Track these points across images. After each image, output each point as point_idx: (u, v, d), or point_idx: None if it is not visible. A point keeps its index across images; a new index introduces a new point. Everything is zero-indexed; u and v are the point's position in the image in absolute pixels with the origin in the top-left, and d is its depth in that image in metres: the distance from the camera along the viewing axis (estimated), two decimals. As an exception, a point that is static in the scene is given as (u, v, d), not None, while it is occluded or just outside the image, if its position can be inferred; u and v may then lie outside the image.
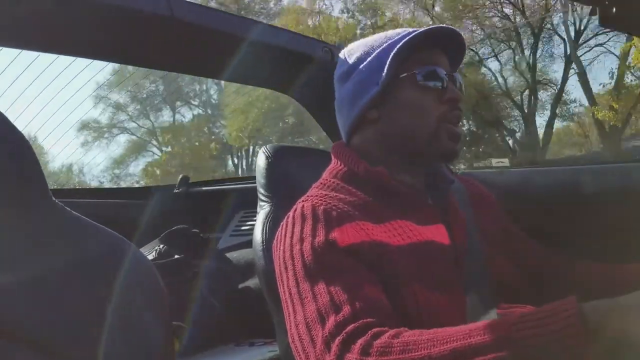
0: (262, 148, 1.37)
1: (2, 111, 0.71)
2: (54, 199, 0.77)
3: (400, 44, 1.03)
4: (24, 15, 1.12)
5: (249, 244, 1.47)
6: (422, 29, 1.04)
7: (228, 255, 2.38)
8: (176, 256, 2.11)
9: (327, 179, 1.09)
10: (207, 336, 1.98)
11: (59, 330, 0.69)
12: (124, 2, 1.17)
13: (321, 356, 0.82)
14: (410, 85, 1.05)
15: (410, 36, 1.03)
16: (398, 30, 1.10)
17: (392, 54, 1.03)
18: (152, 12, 1.21)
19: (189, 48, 1.48)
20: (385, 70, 1.03)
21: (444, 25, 1.06)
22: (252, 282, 2.19)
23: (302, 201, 1.04)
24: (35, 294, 0.69)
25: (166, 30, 1.31)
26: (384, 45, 1.07)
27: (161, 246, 2.16)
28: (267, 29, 1.49)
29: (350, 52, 1.12)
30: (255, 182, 1.36)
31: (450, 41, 1.07)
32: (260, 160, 1.35)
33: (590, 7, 0.80)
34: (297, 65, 1.60)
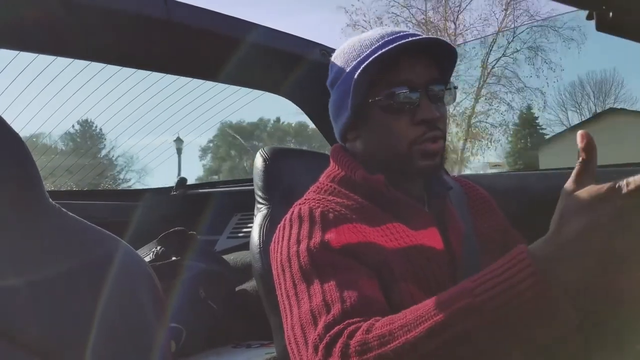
0: (260, 150, 1.37)
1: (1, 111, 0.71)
2: (51, 201, 0.77)
3: (361, 68, 0.99)
4: (22, 19, 1.12)
5: (246, 246, 1.47)
6: (388, 47, 0.97)
7: (225, 257, 2.38)
8: (173, 258, 2.10)
9: (324, 183, 1.10)
10: (205, 338, 1.98)
11: (63, 333, 0.69)
12: (121, 5, 1.17)
13: (312, 359, 0.82)
14: (380, 109, 1.02)
15: (372, 58, 0.98)
16: (374, 34, 1.05)
17: (354, 79, 1.00)
18: (149, 15, 1.22)
19: (186, 50, 1.48)
20: (351, 97, 1.01)
21: (416, 37, 0.99)
22: (249, 285, 2.19)
23: (299, 204, 1.04)
24: (37, 297, 0.69)
25: (163, 33, 1.31)
26: (354, 63, 1.03)
27: (158, 248, 2.16)
28: (265, 31, 1.49)
29: (335, 59, 1.11)
30: (252, 185, 1.36)
31: (433, 48, 1.02)
32: (258, 163, 1.34)
33: (587, 11, 0.80)
34: (294, 67, 1.60)
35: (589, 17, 0.80)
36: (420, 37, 1.00)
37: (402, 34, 1.03)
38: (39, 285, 0.69)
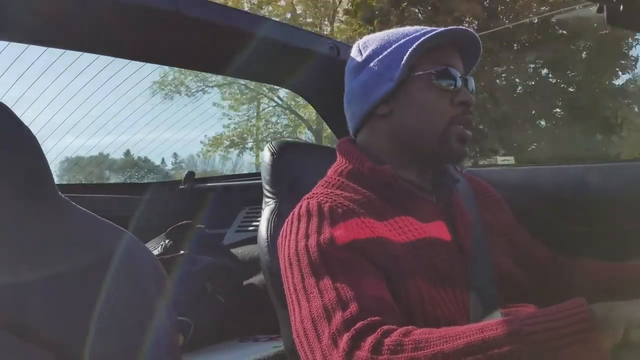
0: (268, 144, 1.37)
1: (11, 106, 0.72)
2: (61, 194, 0.77)
3: (420, 41, 1.02)
4: (33, 13, 1.12)
5: (254, 240, 1.48)
6: (442, 29, 1.03)
7: (233, 251, 2.39)
8: (181, 251, 2.11)
9: (332, 177, 1.10)
10: (212, 332, 1.99)
11: (73, 327, 0.69)
12: None
13: (327, 351, 0.82)
14: (425, 84, 1.04)
15: (430, 34, 1.02)
16: (416, 27, 1.09)
17: (410, 50, 1.02)
18: (158, 7, 1.22)
19: (195, 44, 1.48)
20: (401, 67, 1.03)
21: (463, 27, 1.06)
22: (257, 278, 2.19)
23: (307, 198, 1.04)
24: (48, 291, 0.69)
25: (171, 26, 1.31)
26: (402, 40, 1.06)
27: (167, 241, 2.16)
28: (273, 25, 1.49)
29: (366, 45, 1.12)
30: (260, 179, 1.36)
31: (466, 43, 1.07)
32: (266, 157, 1.35)
33: (597, 5, 0.79)
34: (303, 61, 1.60)
35: (599, 11, 0.79)
36: (468, 29, 1.06)
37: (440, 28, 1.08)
38: (49, 280, 0.70)
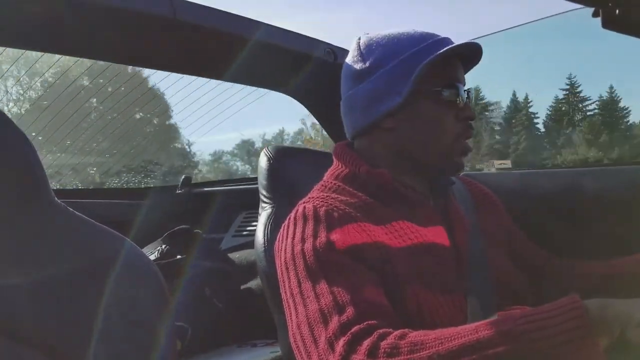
0: (264, 149, 1.37)
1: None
2: (57, 199, 0.77)
3: (431, 57, 1.00)
4: (27, 18, 1.12)
5: (251, 244, 1.47)
6: (457, 44, 1.02)
7: (230, 255, 2.38)
8: (178, 256, 2.11)
9: (328, 181, 1.09)
10: (209, 337, 1.98)
11: (68, 331, 0.69)
12: (126, 3, 1.18)
13: (324, 355, 0.82)
14: (433, 99, 1.04)
15: (443, 50, 1.01)
16: (421, 32, 1.07)
17: (420, 66, 1.00)
18: (155, 13, 1.22)
19: (192, 49, 1.48)
20: (410, 82, 1.01)
21: (473, 41, 1.05)
22: (254, 283, 2.19)
23: (304, 202, 1.04)
24: (43, 296, 0.69)
25: (169, 31, 1.31)
26: (408, 52, 1.03)
27: (163, 246, 2.16)
28: (270, 30, 1.49)
29: (370, 49, 1.08)
30: (257, 183, 1.36)
31: (469, 57, 1.08)
32: (262, 162, 1.34)
33: (593, 8, 0.79)
34: (300, 65, 1.60)
35: (594, 15, 0.79)
36: (476, 42, 1.05)
37: (442, 36, 1.06)
38: (45, 284, 0.70)
